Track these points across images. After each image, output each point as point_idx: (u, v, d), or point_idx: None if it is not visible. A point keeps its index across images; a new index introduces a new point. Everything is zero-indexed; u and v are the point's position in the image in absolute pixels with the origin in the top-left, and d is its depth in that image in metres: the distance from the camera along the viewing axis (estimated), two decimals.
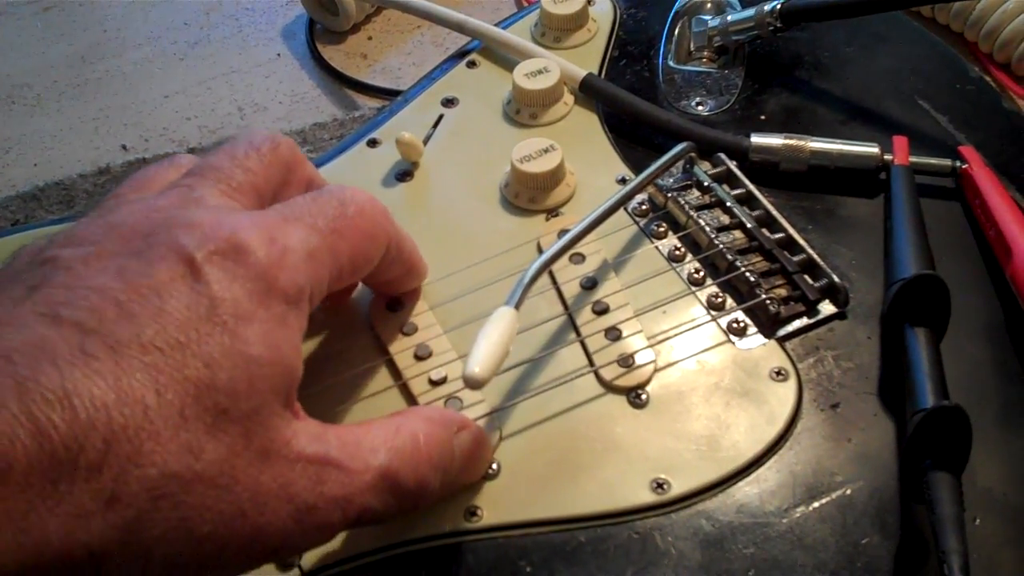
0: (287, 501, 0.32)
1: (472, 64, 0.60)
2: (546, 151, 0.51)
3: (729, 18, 0.58)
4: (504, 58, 0.59)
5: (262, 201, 0.38)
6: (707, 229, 0.48)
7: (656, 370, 0.45)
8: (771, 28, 0.57)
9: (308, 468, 0.33)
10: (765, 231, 0.48)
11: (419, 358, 0.45)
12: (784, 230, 0.48)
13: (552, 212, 0.51)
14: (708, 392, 0.44)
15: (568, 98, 0.56)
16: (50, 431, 0.27)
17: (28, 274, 0.32)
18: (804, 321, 0.46)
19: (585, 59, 0.59)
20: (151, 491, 0.29)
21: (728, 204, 0.49)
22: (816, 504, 0.41)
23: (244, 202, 0.37)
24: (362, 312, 0.47)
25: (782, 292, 0.47)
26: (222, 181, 0.37)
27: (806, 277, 0.47)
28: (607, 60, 0.59)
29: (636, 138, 0.55)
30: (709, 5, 0.62)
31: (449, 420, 0.38)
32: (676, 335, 0.46)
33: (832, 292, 0.47)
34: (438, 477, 0.37)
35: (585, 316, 0.46)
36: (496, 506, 0.41)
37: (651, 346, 0.45)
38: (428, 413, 0.39)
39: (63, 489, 0.28)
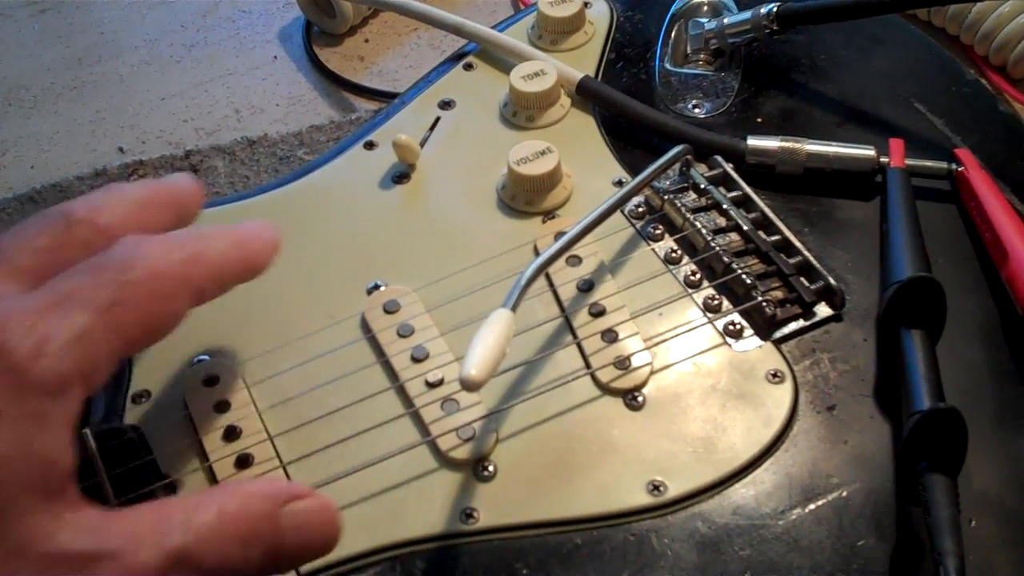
0: None
1: (469, 67, 0.60)
2: (543, 153, 0.51)
3: (726, 21, 0.58)
4: (501, 60, 0.60)
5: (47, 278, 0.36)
6: (703, 231, 0.48)
7: (652, 372, 0.45)
8: (768, 31, 0.57)
9: (75, 563, 0.31)
10: (761, 233, 0.48)
11: (416, 360, 0.45)
12: (780, 232, 0.48)
13: (549, 214, 0.51)
14: (704, 394, 0.44)
15: (565, 100, 0.57)
16: None
17: None
18: (800, 323, 0.46)
19: (582, 61, 0.59)
20: None
21: (724, 206, 0.49)
22: (812, 506, 0.41)
23: (22, 285, 0.35)
24: (358, 313, 0.47)
25: (778, 294, 0.47)
26: (2, 263, 0.35)
27: (802, 279, 0.47)
28: (604, 63, 0.59)
29: (633, 140, 0.55)
30: (706, 8, 0.62)
31: (275, 492, 0.35)
32: (672, 337, 0.46)
33: (828, 294, 0.47)
34: (254, 553, 0.34)
35: (582, 318, 0.46)
36: (492, 508, 0.41)
37: (647, 348, 0.45)
38: (247, 487, 0.36)
39: None
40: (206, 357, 0.46)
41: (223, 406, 0.44)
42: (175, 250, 0.36)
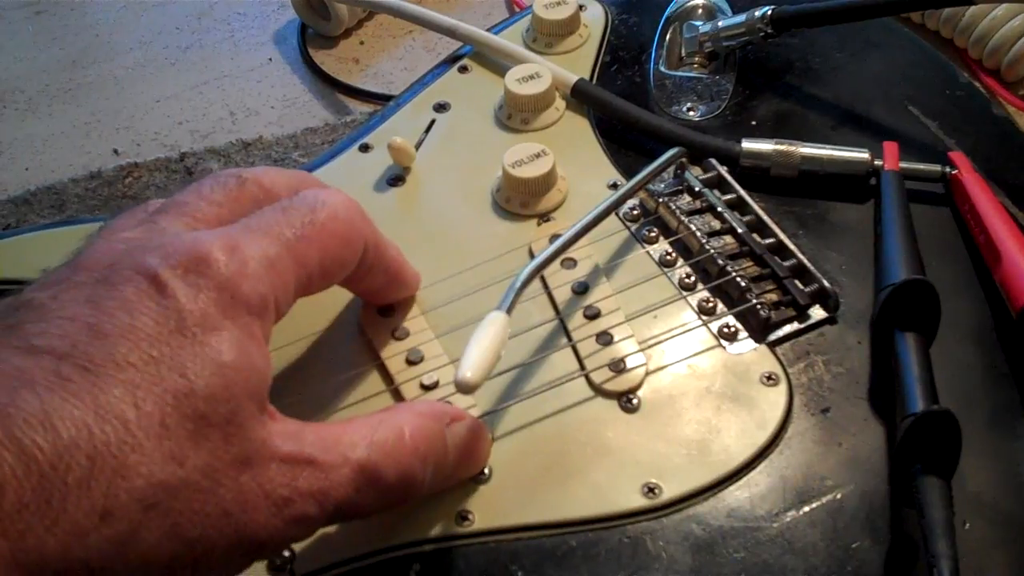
0: (265, 498, 0.33)
1: (464, 69, 0.60)
2: (538, 156, 0.51)
3: (720, 24, 0.59)
4: (496, 63, 0.60)
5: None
6: (698, 234, 0.48)
7: (647, 374, 0.45)
8: (762, 34, 0.57)
9: (283, 466, 0.33)
10: (756, 236, 0.49)
11: (411, 363, 0.45)
12: (775, 235, 0.48)
13: (544, 217, 0.51)
14: (699, 396, 0.44)
15: (560, 103, 0.57)
16: (35, 452, 0.28)
17: (3, 319, 0.33)
18: (794, 326, 0.46)
19: (577, 64, 0.59)
20: (141, 501, 0.30)
21: (719, 209, 0.50)
22: (806, 508, 0.41)
23: (211, 227, 0.37)
24: (353, 317, 0.47)
25: (773, 297, 0.47)
26: (186, 214, 0.37)
27: (796, 282, 0.47)
28: (599, 65, 0.60)
29: (627, 143, 0.55)
30: (700, 11, 0.62)
31: (440, 413, 0.39)
32: (667, 339, 0.46)
33: (822, 297, 0.47)
34: (427, 470, 0.37)
35: (576, 321, 0.46)
36: (487, 510, 0.41)
37: (642, 350, 0.45)
38: (418, 407, 0.39)
39: (56, 508, 0.28)
40: None
41: None
42: (352, 204, 0.40)
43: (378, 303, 0.47)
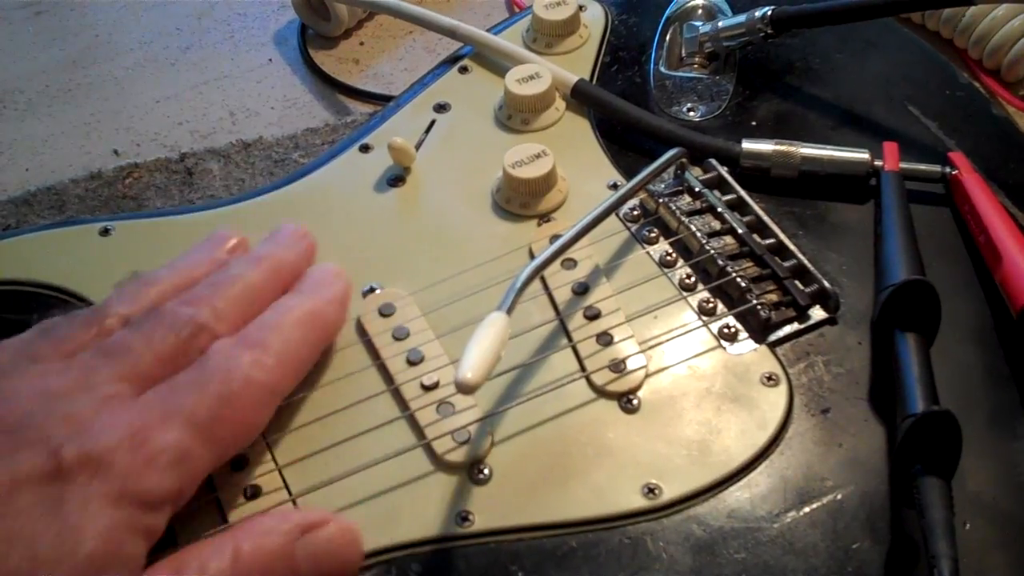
0: None
1: (464, 70, 0.60)
2: (538, 156, 0.51)
3: (720, 24, 0.59)
4: (496, 64, 0.60)
5: (152, 382, 0.38)
6: (698, 235, 0.48)
7: (647, 375, 0.45)
8: (762, 34, 0.57)
9: None
10: (756, 237, 0.49)
11: (411, 363, 0.45)
12: (775, 236, 0.48)
13: (544, 217, 0.51)
14: (699, 397, 0.44)
15: (560, 104, 0.57)
16: None
17: None
18: (795, 326, 0.46)
19: (577, 65, 0.59)
20: None
21: (719, 210, 0.50)
22: (807, 509, 0.41)
23: (140, 387, 0.37)
24: (354, 317, 0.47)
25: (773, 297, 0.47)
26: (127, 366, 0.37)
27: (797, 283, 0.47)
28: (599, 66, 0.60)
29: (627, 144, 0.55)
30: (700, 11, 0.62)
31: (288, 527, 0.37)
32: (667, 340, 0.46)
33: (823, 298, 0.47)
34: None
35: (577, 321, 0.46)
36: (488, 511, 0.41)
37: (642, 351, 0.45)
38: (261, 524, 0.37)
39: None
40: None
41: None
42: (267, 356, 0.39)
43: None
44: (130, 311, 0.41)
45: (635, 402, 0.44)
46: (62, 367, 0.37)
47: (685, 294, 0.48)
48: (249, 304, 0.42)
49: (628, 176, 0.52)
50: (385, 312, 0.47)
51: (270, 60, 0.75)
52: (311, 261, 0.47)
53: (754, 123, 0.56)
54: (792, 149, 0.52)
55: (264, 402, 0.39)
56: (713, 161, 0.52)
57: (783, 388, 0.44)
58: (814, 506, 0.41)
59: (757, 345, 0.46)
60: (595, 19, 0.62)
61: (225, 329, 0.40)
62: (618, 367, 0.45)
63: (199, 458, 0.36)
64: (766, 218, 0.49)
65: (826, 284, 0.47)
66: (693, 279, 0.48)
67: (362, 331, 0.46)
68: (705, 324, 0.47)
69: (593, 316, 0.46)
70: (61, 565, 0.32)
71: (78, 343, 0.39)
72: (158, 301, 0.41)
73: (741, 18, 0.58)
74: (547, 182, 0.51)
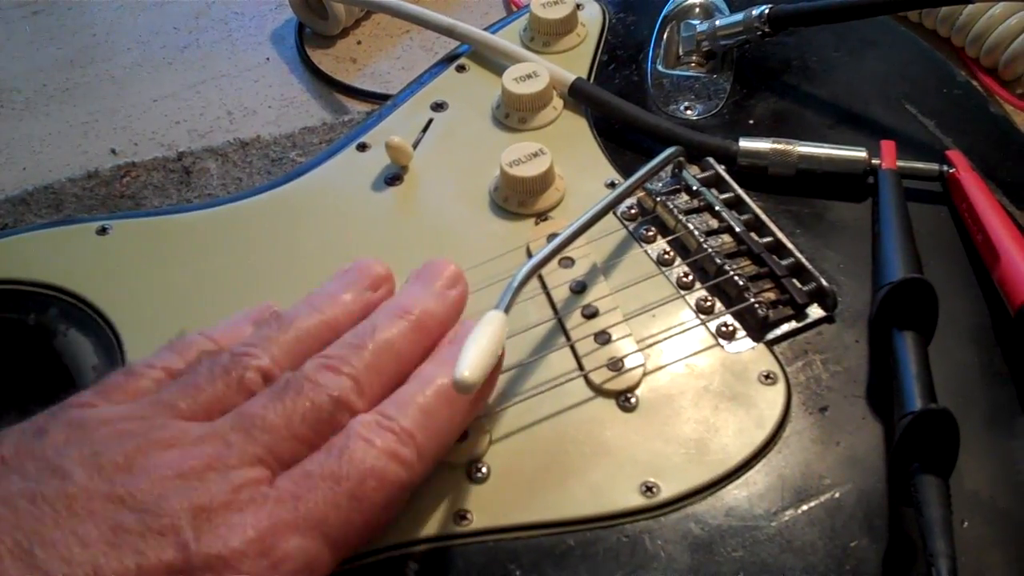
0: None
1: (461, 68, 0.60)
2: (535, 155, 0.51)
3: (717, 23, 0.59)
4: (493, 62, 0.60)
5: (288, 464, 0.37)
6: (696, 233, 0.48)
7: (645, 374, 0.45)
8: (759, 33, 0.57)
9: None
10: (754, 235, 0.49)
11: None
12: (772, 234, 0.48)
13: (541, 216, 0.51)
14: (697, 395, 0.44)
15: (557, 102, 0.57)
16: None
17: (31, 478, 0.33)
18: (792, 325, 0.46)
19: (574, 63, 0.59)
20: None
21: (717, 208, 0.50)
22: (805, 507, 0.41)
23: (273, 469, 0.36)
24: None
25: (771, 296, 0.47)
26: (263, 446, 0.36)
27: (794, 281, 0.47)
28: (596, 64, 0.60)
29: (625, 142, 0.55)
30: (698, 10, 0.62)
31: None
32: (665, 339, 0.46)
33: (820, 296, 0.47)
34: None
35: (574, 320, 0.46)
36: (485, 510, 0.41)
37: (640, 350, 0.45)
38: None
39: None
40: None
41: None
42: (408, 450, 0.37)
43: None
44: (270, 362, 0.39)
45: (633, 400, 0.44)
46: (199, 437, 0.36)
47: (683, 292, 0.48)
48: (393, 372, 0.40)
49: (626, 175, 0.52)
50: None
51: (267, 59, 0.75)
52: (461, 311, 0.43)
53: (751, 121, 0.56)
54: (789, 147, 0.52)
55: (398, 501, 0.38)
56: (711, 160, 0.52)
57: (781, 386, 0.44)
58: (812, 504, 0.41)
59: (755, 343, 0.46)
60: (592, 18, 0.62)
61: (366, 405, 0.38)
62: (616, 365, 0.45)
63: (323, 564, 0.36)
64: (764, 216, 0.49)
65: (824, 282, 0.47)
66: (691, 277, 0.48)
67: None
68: (703, 322, 0.47)
69: (591, 315, 0.46)
70: None
71: (216, 398, 0.38)
72: (297, 351, 0.40)
73: (738, 16, 0.58)
74: (544, 181, 0.51)
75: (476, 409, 0.41)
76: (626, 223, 0.51)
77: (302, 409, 0.37)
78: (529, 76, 0.56)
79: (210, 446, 0.35)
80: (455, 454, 0.42)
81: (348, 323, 0.41)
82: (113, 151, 0.68)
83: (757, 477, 0.42)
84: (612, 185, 0.53)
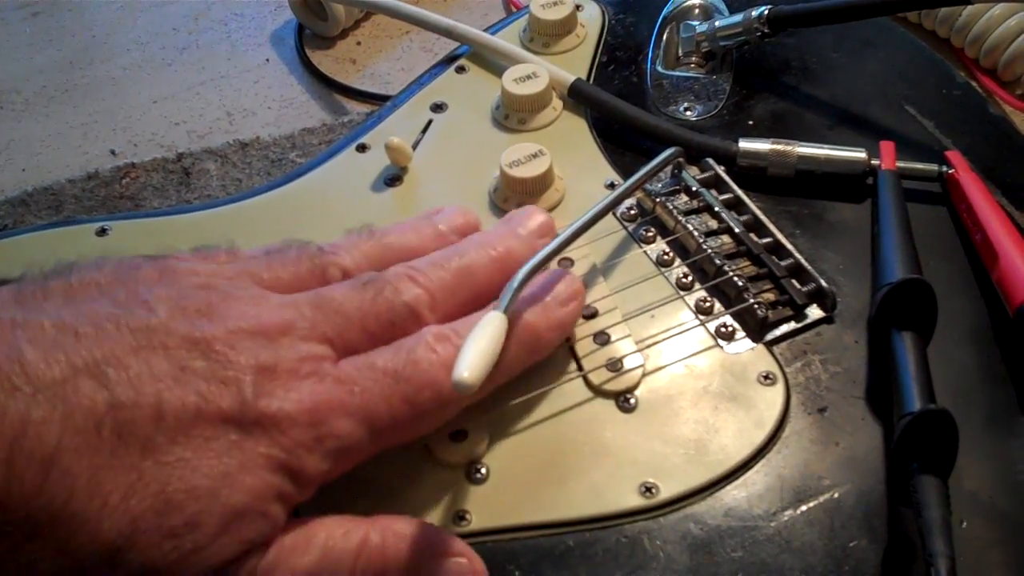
0: None
1: (461, 69, 0.60)
2: (535, 156, 0.51)
3: (717, 24, 0.59)
4: (493, 63, 0.60)
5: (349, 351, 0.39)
6: (695, 234, 0.48)
7: (644, 374, 0.45)
8: (759, 33, 0.57)
9: None
10: (753, 236, 0.49)
11: None
12: (772, 235, 0.48)
13: None
14: (696, 396, 0.44)
15: (557, 103, 0.57)
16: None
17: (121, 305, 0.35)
18: (792, 325, 0.46)
19: (574, 64, 0.59)
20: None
21: (716, 209, 0.50)
22: (804, 508, 0.41)
23: (339, 353, 0.38)
24: None
25: (770, 296, 0.47)
26: (336, 329, 0.38)
27: (794, 282, 0.47)
28: (596, 65, 0.60)
29: (624, 143, 0.55)
30: (697, 11, 0.62)
31: (425, 543, 0.38)
32: (664, 339, 0.46)
33: (819, 296, 0.47)
34: None
35: None
36: (485, 510, 0.41)
37: (640, 350, 0.45)
38: (400, 525, 0.39)
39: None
40: None
41: None
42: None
43: None
44: (353, 264, 0.41)
45: (632, 401, 0.44)
46: (278, 304, 0.38)
47: (682, 293, 0.48)
48: (467, 298, 0.42)
49: (625, 175, 0.52)
50: None
51: (267, 60, 0.75)
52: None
53: (751, 122, 0.56)
54: (789, 148, 0.52)
55: (445, 417, 0.40)
56: (710, 160, 0.52)
57: (780, 387, 0.44)
58: (811, 505, 0.41)
59: (754, 344, 0.46)
60: (592, 19, 0.62)
61: (436, 320, 0.40)
62: (615, 366, 0.45)
63: (361, 451, 0.37)
64: (763, 217, 0.49)
65: (823, 283, 0.47)
66: (690, 278, 0.48)
67: None
68: (702, 323, 0.47)
69: (590, 315, 0.46)
70: (210, 505, 0.33)
71: (298, 278, 0.40)
72: (382, 261, 0.42)
73: (738, 17, 0.58)
74: (544, 181, 0.51)
75: (535, 355, 0.43)
76: (625, 224, 0.51)
77: (377, 306, 0.39)
78: (529, 77, 0.56)
79: (287, 312, 0.37)
80: (454, 454, 0.42)
81: (434, 248, 0.43)
82: (113, 152, 0.68)
83: (756, 477, 0.42)
84: (612, 186, 0.53)
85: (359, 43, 0.76)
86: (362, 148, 0.55)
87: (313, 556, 0.36)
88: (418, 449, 0.42)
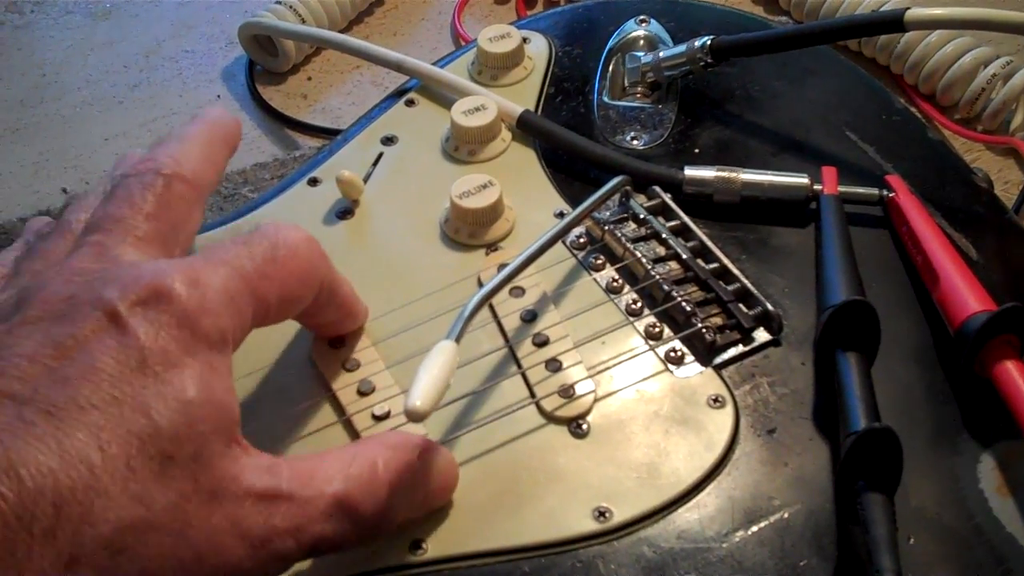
0: (240, 537, 0.33)
1: (411, 103, 0.60)
2: (485, 187, 0.51)
3: (661, 54, 0.60)
4: (442, 96, 0.60)
5: (170, 248, 0.38)
6: (644, 260, 0.49)
7: (596, 400, 0.45)
8: (702, 63, 0.58)
9: (258, 503, 0.33)
10: (700, 261, 0.49)
11: (362, 393, 0.45)
12: (719, 260, 0.49)
13: (492, 247, 0.52)
14: (647, 420, 0.45)
15: (506, 135, 0.57)
16: (0, 504, 0.28)
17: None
18: (740, 349, 0.47)
19: (522, 96, 0.60)
20: (108, 547, 0.30)
21: (664, 236, 0.50)
22: (755, 528, 0.41)
23: (155, 253, 0.37)
24: (304, 349, 0.47)
25: (718, 321, 0.48)
26: (129, 233, 0.37)
27: (741, 306, 0.48)
28: (543, 97, 0.60)
29: (573, 173, 0.56)
30: (642, 42, 0.63)
31: (412, 444, 0.39)
32: (615, 365, 0.47)
33: (766, 320, 0.48)
34: (401, 502, 0.38)
35: (526, 348, 0.47)
36: (440, 539, 0.41)
37: (591, 376, 0.46)
38: (390, 439, 0.39)
39: (20, 559, 0.28)
40: None
41: None
42: (312, 243, 0.40)
43: (328, 336, 0.47)
44: (91, 212, 0.39)
45: (584, 427, 0.44)
46: (69, 256, 0.36)
47: (632, 319, 0.48)
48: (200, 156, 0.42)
49: (574, 204, 0.52)
50: (335, 344, 0.47)
51: (218, 96, 0.75)
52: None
53: (696, 150, 0.57)
54: (734, 175, 0.52)
55: (307, 277, 0.40)
56: (657, 188, 0.53)
57: (729, 409, 0.45)
58: (762, 525, 0.41)
59: (703, 368, 0.46)
60: (539, 51, 0.63)
61: (194, 172, 0.40)
62: (567, 392, 0.45)
63: (247, 305, 0.36)
64: (710, 243, 0.50)
65: (769, 306, 0.47)
66: (639, 304, 0.48)
67: (313, 363, 0.47)
68: (652, 348, 0.47)
69: (542, 343, 0.47)
70: (175, 415, 0.32)
71: (61, 249, 0.38)
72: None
73: (682, 48, 0.59)
74: (494, 212, 0.51)
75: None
76: (575, 252, 0.51)
77: (139, 193, 0.38)
78: (477, 109, 0.56)
79: (87, 249, 0.36)
80: None
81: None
82: (64, 190, 0.68)
83: (708, 499, 0.42)
84: (561, 215, 0.53)
85: (310, 78, 0.76)
86: (314, 182, 0.56)
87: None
88: None
